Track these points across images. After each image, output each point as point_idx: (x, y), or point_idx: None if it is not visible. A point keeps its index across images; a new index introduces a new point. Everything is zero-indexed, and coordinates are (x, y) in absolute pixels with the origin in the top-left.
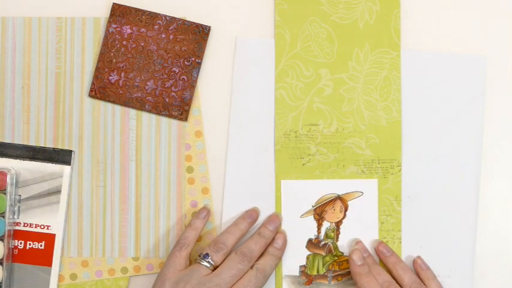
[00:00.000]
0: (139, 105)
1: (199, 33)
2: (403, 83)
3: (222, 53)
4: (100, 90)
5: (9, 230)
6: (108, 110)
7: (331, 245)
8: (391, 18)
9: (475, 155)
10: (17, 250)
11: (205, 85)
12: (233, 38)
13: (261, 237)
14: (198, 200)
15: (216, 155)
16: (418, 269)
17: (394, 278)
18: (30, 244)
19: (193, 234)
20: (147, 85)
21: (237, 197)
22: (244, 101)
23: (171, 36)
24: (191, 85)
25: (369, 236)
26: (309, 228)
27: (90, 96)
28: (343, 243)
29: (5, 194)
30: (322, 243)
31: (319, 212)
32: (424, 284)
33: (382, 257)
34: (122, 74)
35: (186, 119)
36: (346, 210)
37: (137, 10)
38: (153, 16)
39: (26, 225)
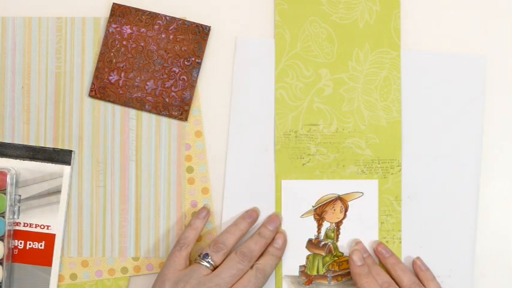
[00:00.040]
0: (139, 105)
1: (199, 33)
2: (403, 83)
3: (222, 53)
4: (100, 90)
5: (9, 230)
6: (108, 110)
7: (331, 245)
8: (391, 18)
9: (475, 155)
10: (17, 250)
11: (205, 85)
12: (233, 38)
13: (261, 237)
14: (198, 200)
15: (216, 155)
16: (418, 269)
17: (393, 278)
18: (30, 244)
19: (193, 234)
20: (147, 85)
21: (237, 197)
22: (244, 101)
23: (171, 36)
24: (191, 85)
25: (369, 236)
26: (309, 229)
27: (90, 96)
28: (343, 244)
29: (5, 194)
30: (322, 243)
31: (319, 212)
32: (423, 285)
33: (382, 258)
34: (122, 74)
35: (186, 119)
36: (346, 210)
37: (137, 10)
38: (153, 16)
39: (26, 225)
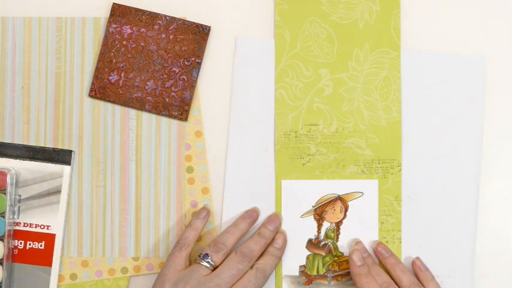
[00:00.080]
0: (139, 105)
1: (199, 33)
2: (403, 83)
3: (222, 53)
4: (100, 90)
5: (9, 230)
6: (108, 110)
7: (331, 245)
8: (391, 18)
9: (475, 155)
10: (17, 250)
11: (205, 85)
12: (233, 38)
13: (261, 237)
14: (198, 200)
15: (216, 155)
16: (417, 270)
17: (393, 278)
18: (30, 244)
19: (193, 234)
20: (147, 85)
21: (237, 197)
22: (244, 101)
23: (171, 36)
24: (191, 85)
25: (369, 236)
26: (309, 229)
27: (90, 96)
28: (343, 244)
29: (5, 194)
30: (322, 243)
31: (319, 212)
32: (423, 285)
33: (381, 258)
34: (122, 74)
35: (186, 119)
36: (346, 210)
37: (137, 10)
38: (153, 16)
39: (26, 225)
